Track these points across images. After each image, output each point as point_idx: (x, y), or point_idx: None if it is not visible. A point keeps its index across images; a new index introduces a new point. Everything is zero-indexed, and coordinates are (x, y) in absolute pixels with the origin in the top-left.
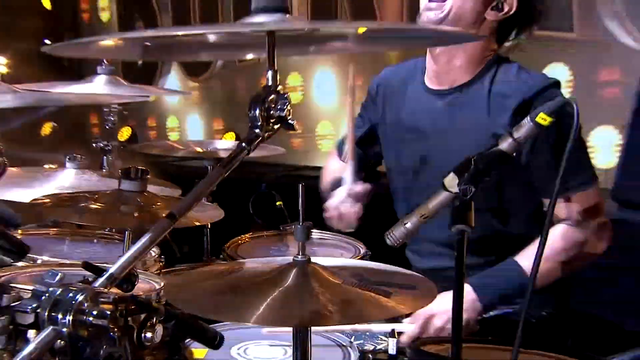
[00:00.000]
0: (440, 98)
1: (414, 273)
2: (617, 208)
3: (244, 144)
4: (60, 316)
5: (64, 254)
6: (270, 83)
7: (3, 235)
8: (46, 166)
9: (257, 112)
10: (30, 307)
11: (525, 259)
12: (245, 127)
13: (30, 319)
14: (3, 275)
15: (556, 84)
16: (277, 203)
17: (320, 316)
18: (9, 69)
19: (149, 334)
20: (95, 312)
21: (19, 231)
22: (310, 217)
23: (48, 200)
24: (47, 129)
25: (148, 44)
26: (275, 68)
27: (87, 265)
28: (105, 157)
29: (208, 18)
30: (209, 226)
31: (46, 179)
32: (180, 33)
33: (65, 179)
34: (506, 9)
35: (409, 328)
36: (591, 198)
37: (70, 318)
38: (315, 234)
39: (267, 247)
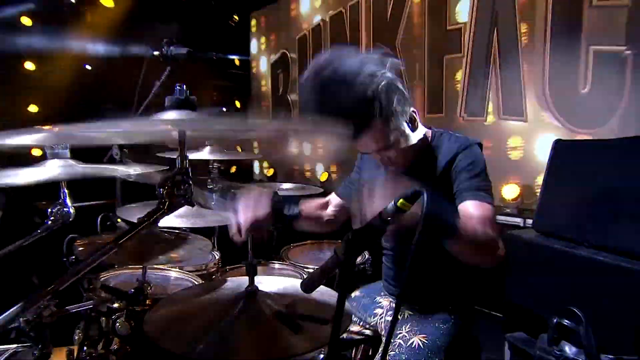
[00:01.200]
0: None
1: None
2: (536, 235)
3: (145, 218)
4: None
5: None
6: (179, 166)
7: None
8: None
9: (162, 191)
10: None
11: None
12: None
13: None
14: (104, 276)
15: (472, 143)
16: None
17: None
18: None
19: None
20: None
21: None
22: None
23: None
24: None
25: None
26: (185, 154)
27: (105, 288)
28: (213, 194)
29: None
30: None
31: None
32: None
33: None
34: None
35: None
36: (486, 209)
37: None
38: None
39: (311, 252)
